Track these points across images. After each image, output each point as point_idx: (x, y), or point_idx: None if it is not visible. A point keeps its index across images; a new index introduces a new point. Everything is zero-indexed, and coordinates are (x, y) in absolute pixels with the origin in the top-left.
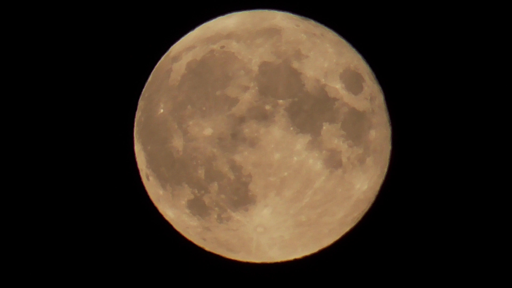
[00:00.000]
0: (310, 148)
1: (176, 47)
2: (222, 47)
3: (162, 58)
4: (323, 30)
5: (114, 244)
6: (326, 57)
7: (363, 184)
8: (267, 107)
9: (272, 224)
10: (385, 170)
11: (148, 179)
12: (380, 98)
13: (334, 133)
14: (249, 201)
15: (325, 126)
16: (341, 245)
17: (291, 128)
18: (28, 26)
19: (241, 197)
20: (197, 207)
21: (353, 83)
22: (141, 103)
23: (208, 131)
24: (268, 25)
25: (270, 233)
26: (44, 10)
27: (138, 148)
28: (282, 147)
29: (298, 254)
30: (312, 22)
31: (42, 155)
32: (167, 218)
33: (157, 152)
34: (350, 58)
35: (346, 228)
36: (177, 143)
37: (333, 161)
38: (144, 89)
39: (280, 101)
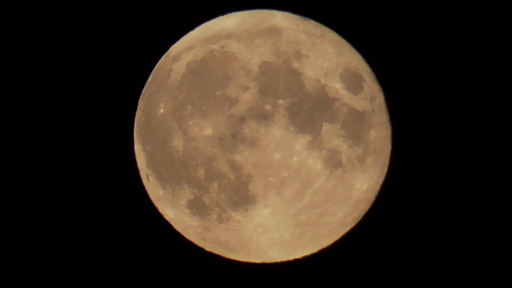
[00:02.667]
0: (310, 148)
1: (176, 47)
2: (222, 47)
3: (162, 58)
4: (323, 30)
5: (114, 244)
6: (326, 57)
7: (363, 184)
8: (267, 107)
9: (272, 224)
10: (385, 170)
11: (148, 179)
12: (380, 98)
13: (334, 133)
14: (249, 201)
15: (325, 126)
16: (341, 245)
17: (291, 128)
18: (28, 26)
19: (241, 197)
20: (197, 207)
21: (353, 83)
22: (141, 103)
23: (208, 131)
24: (268, 25)
25: (270, 233)
26: (44, 10)
27: (138, 148)
28: (282, 147)
29: (298, 254)
30: (312, 22)
31: (42, 155)
32: (167, 218)
33: (157, 152)
34: (350, 58)
35: (346, 228)
36: (177, 143)
37: (333, 161)
38: (144, 89)
39: (280, 101)
